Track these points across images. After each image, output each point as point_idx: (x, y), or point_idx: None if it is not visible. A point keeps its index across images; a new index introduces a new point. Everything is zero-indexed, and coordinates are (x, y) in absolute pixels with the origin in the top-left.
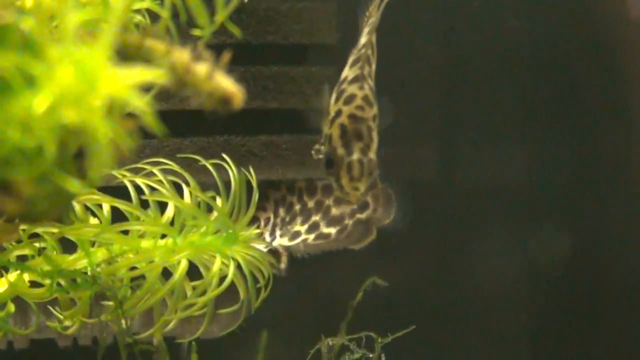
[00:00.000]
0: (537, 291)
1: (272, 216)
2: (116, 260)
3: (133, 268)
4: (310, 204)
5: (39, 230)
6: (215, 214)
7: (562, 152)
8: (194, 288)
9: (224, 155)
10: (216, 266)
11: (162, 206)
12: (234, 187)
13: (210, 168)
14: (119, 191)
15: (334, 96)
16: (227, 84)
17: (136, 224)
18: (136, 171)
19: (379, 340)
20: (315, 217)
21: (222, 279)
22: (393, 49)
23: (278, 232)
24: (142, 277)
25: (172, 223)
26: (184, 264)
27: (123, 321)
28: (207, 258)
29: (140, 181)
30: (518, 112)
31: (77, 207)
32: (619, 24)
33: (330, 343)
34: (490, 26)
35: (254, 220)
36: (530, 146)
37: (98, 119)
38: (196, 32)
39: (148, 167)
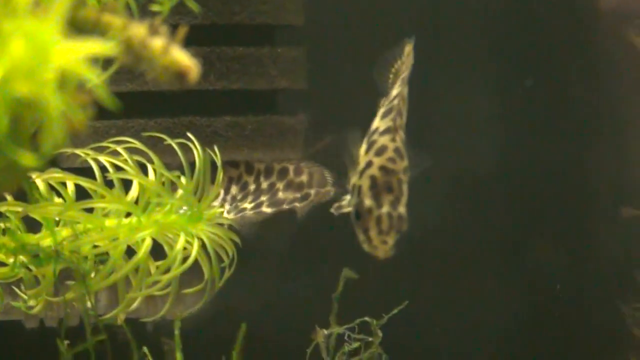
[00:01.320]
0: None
1: (222, 192)
2: (80, 238)
3: (97, 246)
4: (264, 185)
5: (3, 209)
6: (179, 192)
7: (533, 138)
8: (158, 267)
9: (189, 135)
10: (180, 244)
11: (127, 185)
12: (198, 166)
13: (176, 147)
14: (84, 171)
15: (364, 147)
16: (182, 59)
17: (100, 202)
18: (101, 150)
19: (375, 323)
20: (263, 198)
21: (187, 258)
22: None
23: (226, 208)
24: (106, 255)
25: (136, 202)
26: (147, 242)
27: (87, 298)
28: (171, 237)
29: (104, 160)
30: (487, 97)
31: (41, 185)
32: (588, 15)
33: (326, 332)
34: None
35: None
36: (501, 129)
37: (50, 93)
38: (156, 7)
39: (112, 145)
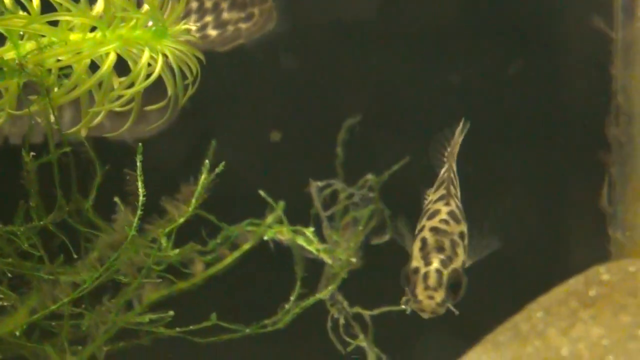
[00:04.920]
0: None
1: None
2: (44, 51)
3: (61, 60)
4: (208, 4)
5: None
6: (145, 7)
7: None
8: (121, 82)
9: None
10: (144, 59)
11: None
12: None
13: None
14: None
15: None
16: None
17: (65, 15)
18: None
19: (375, 179)
20: (208, 18)
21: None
22: None
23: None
24: (70, 69)
25: (101, 16)
26: (111, 57)
27: (50, 112)
28: (135, 52)
29: None
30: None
31: None
32: None
33: (320, 185)
34: None
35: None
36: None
37: None
38: None
39: None
